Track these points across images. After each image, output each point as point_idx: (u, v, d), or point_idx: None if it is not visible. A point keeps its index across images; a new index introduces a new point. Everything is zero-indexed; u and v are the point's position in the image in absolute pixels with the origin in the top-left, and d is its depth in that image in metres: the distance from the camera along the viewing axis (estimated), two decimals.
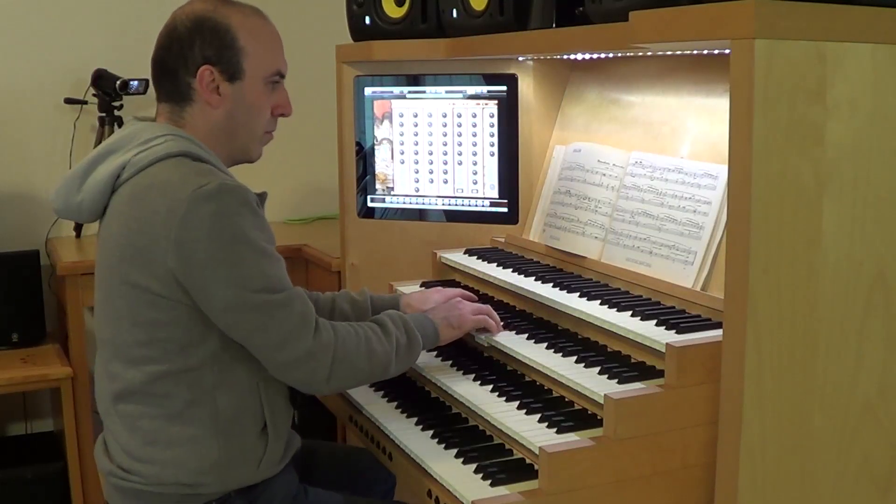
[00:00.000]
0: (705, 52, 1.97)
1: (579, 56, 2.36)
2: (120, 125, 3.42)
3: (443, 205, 2.58)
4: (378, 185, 2.64)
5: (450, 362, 2.08)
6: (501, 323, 2.06)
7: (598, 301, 1.97)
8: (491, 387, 1.92)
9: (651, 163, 2.10)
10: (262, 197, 1.81)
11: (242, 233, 1.67)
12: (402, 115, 2.58)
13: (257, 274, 1.68)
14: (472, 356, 2.10)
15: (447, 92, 2.52)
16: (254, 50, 1.81)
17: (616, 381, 1.72)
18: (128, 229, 1.72)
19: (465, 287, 2.35)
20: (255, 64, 1.82)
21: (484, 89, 2.49)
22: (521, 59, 2.46)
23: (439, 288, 2.22)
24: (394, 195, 2.63)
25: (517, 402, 1.83)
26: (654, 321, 1.81)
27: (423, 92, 2.55)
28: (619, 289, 2.05)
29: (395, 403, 2.04)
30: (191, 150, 1.75)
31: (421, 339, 1.91)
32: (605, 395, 1.62)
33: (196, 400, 1.73)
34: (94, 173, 1.79)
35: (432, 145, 2.57)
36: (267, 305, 1.68)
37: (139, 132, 1.79)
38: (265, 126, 1.88)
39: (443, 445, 1.81)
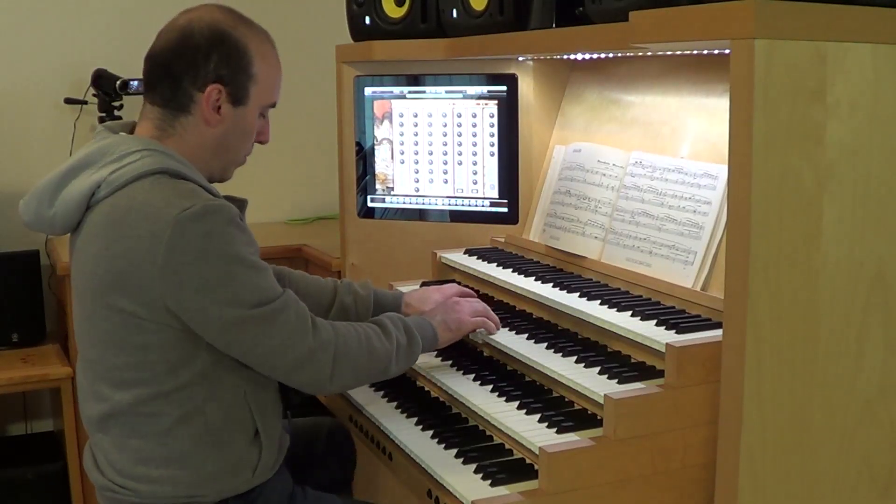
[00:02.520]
0: (705, 52, 1.98)
1: (579, 56, 2.36)
2: None
3: (443, 205, 2.58)
4: (378, 185, 2.64)
5: (450, 362, 2.08)
6: (500, 324, 2.06)
7: (598, 301, 1.97)
8: (491, 387, 1.92)
9: (651, 163, 2.10)
10: (243, 205, 1.78)
11: (233, 251, 1.64)
12: (402, 115, 2.58)
13: (252, 289, 1.66)
14: (472, 356, 2.10)
15: (447, 92, 2.53)
16: (263, 78, 1.77)
17: (616, 381, 1.72)
18: (110, 254, 1.66)
19: (465, 288, 2.35)
20: (260, 92, 1.78)
21: (484, 89, 2.49)
22: (521, 59, 2.46)
23: (439, 287, 2.22)
24: (394, 195, 2.63)
25: (517, 402, 1.83)
26: (654, 321, 1.81)
27: (423, 92, 2.55)
28: (619, 289, 2.05)
29: (395, 403, 2.04)
30: (168, 166, 1.69)
31: (420, 341, 1.91)
32: (605, 395, 1.62)
33: (186, 416, 1.71)
34: (69, 188, 1.73)
35: (432, 145, 2.57)
36: (264, 316, 1.67)
37: (113, 146, 1.73)
38: (247, 151, 1.85)
39: (443, 445, 1.81)
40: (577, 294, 2.03)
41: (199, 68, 1.72)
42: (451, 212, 2.57)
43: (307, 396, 2.06)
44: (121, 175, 1.69)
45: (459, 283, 2.38)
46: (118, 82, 3.40)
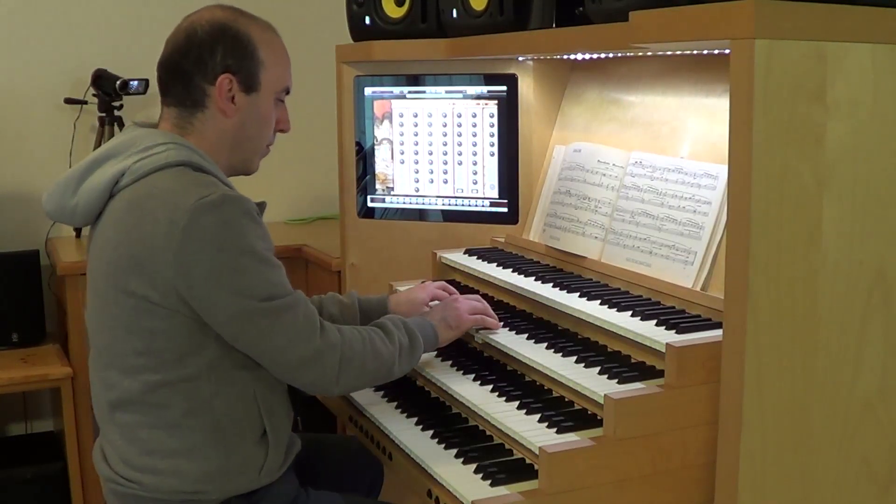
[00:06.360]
0: (705, 52, 1.97)
1: (579, 56, 2.36)
2: (120, 126, 3.42)
3: (443, 205, 2.58)
4: (378, 185, 2.64)
5: (450, 362, 2.08)
6: (501, 322, 2.06)
7: (598, 301, 1.97)
8: (491, 387, 1.92)
9: (651, 163, 2.10)
10: (261, 207, 1.81)
11: (246, 243, 1.67)
12: (402, 115, 2.58)
13: (262, 283, 1.68)
14: (472, 356, 2.10)
15: (447, 92, 2.52)
16: (271, 64, 1.83)
17: (616, 381, 1.72)
18: (127, 238, 1.70)
19: (465, 287, 2.35)
20: (270, 77, 1.83)
21: (484, 89, 2.49)
22: (521, 59, 2.46)
23: (423, 285, 2.22)
24: (394, 195, 2.62)
25: (517, 402, 1.83)
26: (654, 321, 1.81)
27: (423, 92, 2.55)
28: (619, 289, 2.05)
29: (395, 403, 2.04)
30: (192, 160, 1.74)
31: (422, 341, 1.91)
32: (605, 395, 1.62)
33: (194, 409, 1.73)
34: (92, 178, 1.77)
35: (432, 145, 2.56)
36: (272, 311, 1.68)
37: (140, 138, 1.78)
38: (268, 139, 1.90)
39: (443, 445, 1.81)
40: (577, 294, 2.03)
41: (206, 62, 1.78)
42: (451, 212, 2.57)
43: (310, 398, 2.06)
44: (144, 164, 1.73)
45: (459, 284, 2.38)
46: (118, 82, 3.39)
